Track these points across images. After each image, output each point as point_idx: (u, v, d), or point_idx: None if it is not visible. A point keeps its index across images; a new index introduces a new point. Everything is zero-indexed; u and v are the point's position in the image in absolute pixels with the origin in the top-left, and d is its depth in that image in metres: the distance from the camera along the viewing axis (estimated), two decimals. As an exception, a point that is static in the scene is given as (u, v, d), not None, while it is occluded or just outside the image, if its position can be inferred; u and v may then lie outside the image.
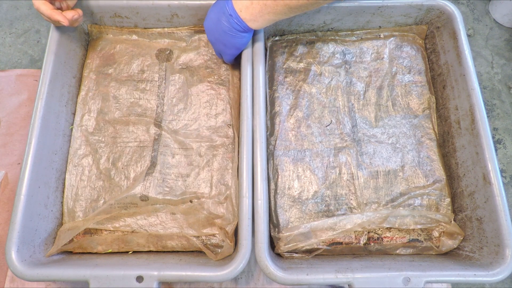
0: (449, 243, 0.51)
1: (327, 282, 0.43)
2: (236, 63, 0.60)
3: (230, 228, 0.49)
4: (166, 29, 0.61)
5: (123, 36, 0.61)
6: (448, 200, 0.54)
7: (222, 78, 0.59)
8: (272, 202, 0.53)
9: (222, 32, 0.50)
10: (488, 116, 0.67)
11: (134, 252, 0.51)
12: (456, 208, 0.54)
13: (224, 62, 0.60)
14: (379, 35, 0.63)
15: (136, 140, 0.55)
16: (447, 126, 0.57)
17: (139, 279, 0.42)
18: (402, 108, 0.59)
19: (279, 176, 0.54)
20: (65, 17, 0.48)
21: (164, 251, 0.51)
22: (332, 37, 0.62)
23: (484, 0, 0.93)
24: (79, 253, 0.51)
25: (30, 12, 0.80)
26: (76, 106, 0.57)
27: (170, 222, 0.51)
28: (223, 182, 0.53)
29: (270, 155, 0.55)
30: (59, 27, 0.54)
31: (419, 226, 0.51)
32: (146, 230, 0.50)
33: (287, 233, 0.50)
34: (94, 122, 0.56)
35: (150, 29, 0.61)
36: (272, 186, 0.54)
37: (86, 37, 0.60)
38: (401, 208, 0.53)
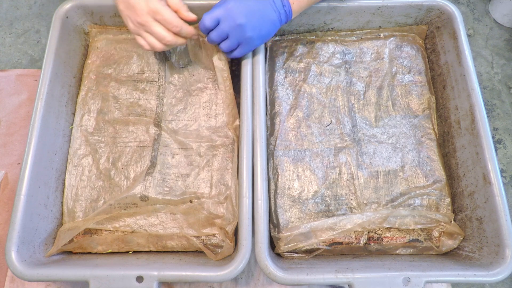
0: (449, 243, 0.51)
1: (327, 282, 0.43)
2: (232, 63, 0.60)
3: (230, 228, 0.49)
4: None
5: (123, 36, 0.61)
6: (448, 200, 0.54)
7: (221, 77, 0.59)
8: (272, 202, 0.53)
9: (267, 21, 0.48)
10: (488, 116, 0.67)
11: (134, 252, 0.51)
12: (456, 208, 0.54)
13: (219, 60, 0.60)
14: (379, 35, 0.63)
15: (136, 140, 0.55)
16: (447, 126, 0.57)
17: (139, 279, 0.42)
18: (402, 108, 0.59)
19: (279, 176, 0.54)
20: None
21: (164, 251, 0.51)
22: (332, 37, 0.62)
23: (484, 0, 0.93)
24: (79, 253, 0.51)
25: (30, 12, 0.80)
26: (76, 106, 0.57)
27: (170, 222, 0.51)
28: (223, 182, 0.53)
29: (270, 155, 0.55)
30: (59, 27, 0.54)
31: (419, 226, 0.51)
32: (146, 230, 0.50)
33: (287, 233, 0.50)
34: (94, 122, 0.56)
35: None
36: (272, 186, 0.54)
37: (86, 37, 0.60)
38: (401, 208, 0.53)
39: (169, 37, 0.47)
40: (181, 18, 0.47)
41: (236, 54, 0.51)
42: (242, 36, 0.47)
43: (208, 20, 0.47)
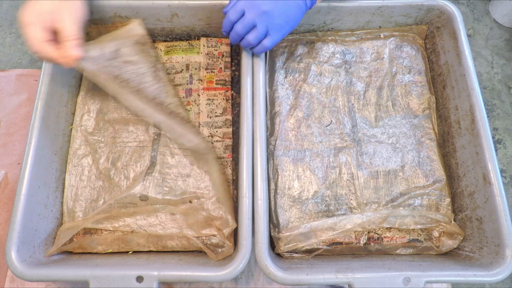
0: (449, 243, 0.51)
1: (327, 282, 0.43)
2: (234, 61, 0.60)
3: (227, 231, 0.49)
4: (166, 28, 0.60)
5: (123, 36, 0.61)
6: (448, 200, 0.54)
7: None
8: (272, 202, 0.53)
9: (292, 5, 0.47)
10: (488, 116, 0.67)
11: (134, 252, 0.51)
12: (456, 208, 0.54)
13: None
14: (379, 35, 0.63)
15: (136, 140, 0.55)
16: (447, 126, 0.57)
17: (139, 279, 0.42)
18: (402, 108, 0.59)
19: (279, 176, 0.54)
20: (70, 61, 0.44)
21: (164, 251, 0.51)
22: (332, 37, 0.62)
23: (484, 0, 0.93)
24: (79, 253, 0.51)
25: (30, 12, 0.80)
26: (76, 106, 0.57)
27: (169, 223, 0.51)
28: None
29: (270, 155, 0.55)
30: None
31: (419, 226, 0.51)
32: (146, 230, 0.50)
33: (287, 233, 0.50)
34: (93, 122, 0.56)
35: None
36: (272, 186, 0.54)
37: (86, 37, 0.60)
38: (401, 208, 0.53)
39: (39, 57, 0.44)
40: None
41: (266, 43, 0.48)
42: (270, 23, 0.46)
43: (232, 13, 0.46)
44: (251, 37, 0.47)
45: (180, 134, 0.52)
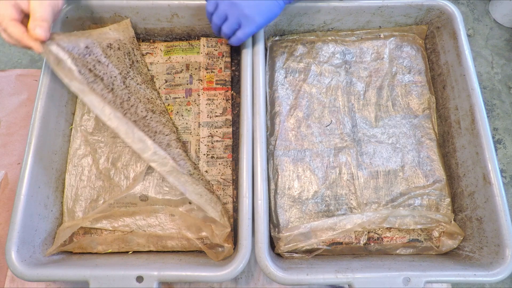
0: (449, 243, 0.51)
1: (327, 282, 0.43)
2: (235, 60, 0.60)
3: (223, 234, 0.48)
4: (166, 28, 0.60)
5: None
6: (448, 200, 0.54)
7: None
8: (272, 202, 0.53)
9: None
10: (488, 116, 0.67)
11: (134, 252, 0.51)
12: (456, 208, 0.54)
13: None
14: (379, 35, 0.63)
15: (136, 140, 0.55)
16: (447, 126, 0.57)
17: (139, 279, 0.42)
18: (402, 108, 0.59)
19: (279, 176, 0.54)
20: (38, 45, 0.43)
21: (164, 251, 0.51)
22: (332, 37, 0.62)
23: (484, 0, 0.93)
24: (79, 253, 0.51)
25: (30, 12, 0.80)
26: (76, 106, 0.57)
27: (168, 224, 0.51)
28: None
29: (270, 155, 0.55)
30: (60, 27, 0.54)
31: (419, 226, 0.51)
32: (145, 231, 0.50)
33: (287, 233, 0.50)
34: (93, 122, 0.56)
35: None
36: (272, 186, 0.54)
37: (86, 37, 0.60)
38: (401, 208, 0.53)
39: (6, 39, 0.44)
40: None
41: (239, 35, 0.49)
42: (239, 14, 0.47)
43: (209, 4, 0.49)
44: (225, 27, 0.49)
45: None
